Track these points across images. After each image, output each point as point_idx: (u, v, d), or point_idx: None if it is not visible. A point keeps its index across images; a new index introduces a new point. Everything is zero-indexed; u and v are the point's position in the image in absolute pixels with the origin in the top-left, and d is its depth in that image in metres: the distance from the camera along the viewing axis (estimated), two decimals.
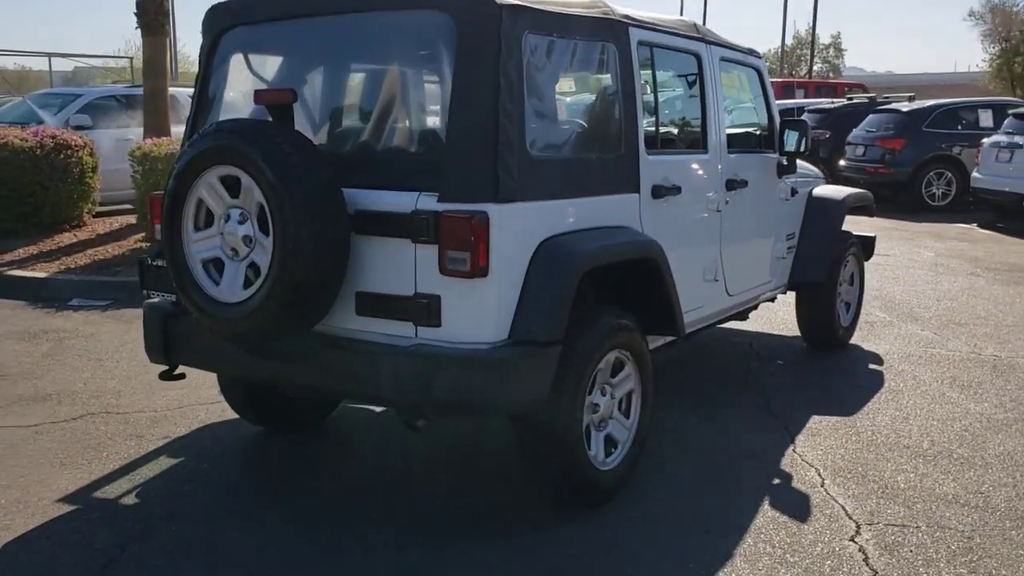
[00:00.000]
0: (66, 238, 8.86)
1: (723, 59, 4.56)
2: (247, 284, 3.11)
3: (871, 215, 6.47)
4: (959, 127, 14.07)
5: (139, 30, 9.95)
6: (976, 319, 6.72)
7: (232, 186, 3.09)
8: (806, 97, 22.91)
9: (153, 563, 3.11)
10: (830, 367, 5.55)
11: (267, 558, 3.15)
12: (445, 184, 3.00)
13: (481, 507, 3.57)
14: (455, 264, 2.94)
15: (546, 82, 3.35)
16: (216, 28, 3.70)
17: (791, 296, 5.78)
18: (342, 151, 3.37)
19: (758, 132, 5.09)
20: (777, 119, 5.10)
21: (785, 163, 5.08)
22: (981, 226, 12.11)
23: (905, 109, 14.42)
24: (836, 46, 56.05)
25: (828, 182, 6.14)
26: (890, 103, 15.54)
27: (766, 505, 3.56)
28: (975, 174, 12.53)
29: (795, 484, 3.77)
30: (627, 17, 3.72)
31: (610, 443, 3.55)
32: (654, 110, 3.98)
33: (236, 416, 4.34)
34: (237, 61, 3.74)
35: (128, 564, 3.10)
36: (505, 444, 3.93)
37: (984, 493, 3.68)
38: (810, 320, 5.75)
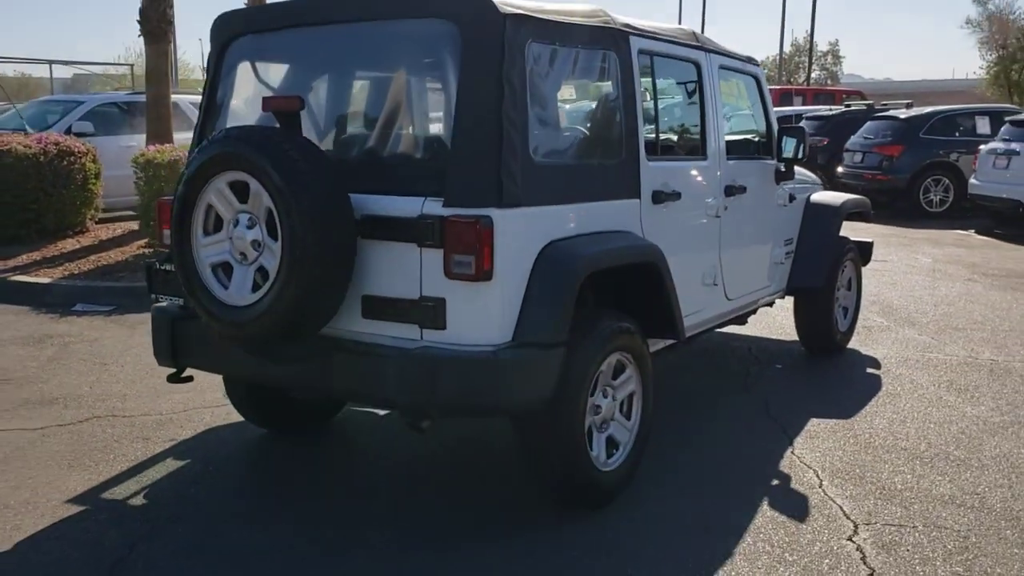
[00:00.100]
0: (69, 244, 8.91)
1: (722, 67, 4.63)
2: (255, 288, 3.17)
3: (868, 221, 6.54)
4: (956, 134, 14.16)
5: (142, 37, 10.00)
6: (973, 324, 6.78)
7: (241, 191, 3.15)
8: (804, 104, 23.01)
9: (161, 563, 3.16)
10: (828, 371, 5.61)
11: (272, 559, 3.20)
12: (450, 189, 3.06)
13: (483, 508, 3.62)
14: (460, 268, 3.00)
15: (548, 89, 3.41)
16: (224, 36, 3.77)
17: (789, 301, 5.84)
18: (348, 157, 3.43)
19: (756, 139, 5.15)
20: (775, 126, 5.16)
21: (783, 169, 5.15)
22: (978, 232, 12.19)
23: (903, 116, 14.51)
24: (834, 53, 56.26)
25: (826, 188, 6.20)
26: (888, 110, 15.63)
27: (765, 505, 3.61)
28: (972, 181, 12.61)
29: (794, 485, 3.83)
30: (628, 26, 3.78)
31: (611, 444, 3.60)
32: (654, 117, 4.04)
33: (241, 419, 4.40)
34: (244, 69, 3.81)
35: (136, 563, 3.15)
36: (507, 446, 3.99)
37: (980, 494, 3.73)
38: (808, 325, 5.81)
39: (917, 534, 3.37)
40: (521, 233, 3.12)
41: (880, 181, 13.93)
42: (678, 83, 4.47)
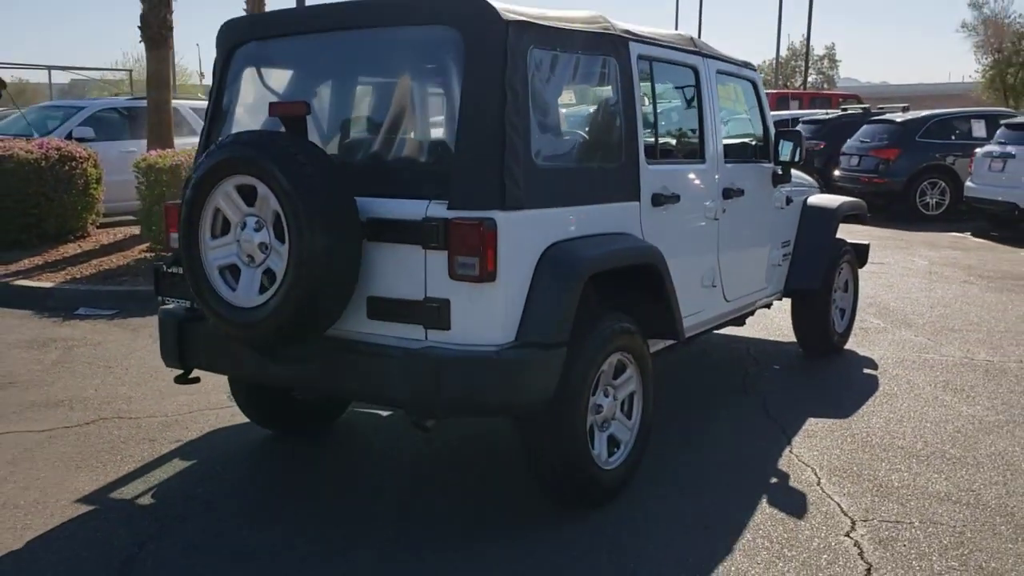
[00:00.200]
0: (71, 249, 8.96)
1: (719, 72, 4.70)
2: (262, 290, 3.23)
3: (864, 223, 6.60)
4: (952, 137, 14.25)
5: (143, 43, 10.05)
6: (969, 325, 6.85)
7: (248, 195, 3.20)
8: (801, 108, 23.14)
9: (171, 560, 3.21)
10: (825, 372, 5.67)
11: (279, 557, 3.25)
12: (454, 192, 3.11)
13: (486, 507, 3.67)
14: (464, 269, 3.06)
15: (550, 94, 3.47)
16: (229, 43, 3.83)
17: (787, 303, 5.90)
18: (354, 161, 3.48)
19: (754, 143, 5.22)
20: (772, 130, 5.23)
21: (780, 173, 5.21)
22: (974, 235, 12.27)
23: (899, 120, 14.60)
24: (830, 57, 56.40)
25: (822, 191, 6.27)
26: (884, 114, 15.72)
27: (764, 503, 3.67)
28: (968, 183, 12.69)
29: (792, 483, 3.88)
30: (627, 32, 3.85)
31: (613, 443, 3.66)
32: (653, 121, 4.10)
33: (246, 421, 4.45)
34: (250, 75, 3.86)
35: (147, 561, 3.20)
36: (509, 445, 4.04)
37: (975, 491, 3.79)
38: (805, 326, 5.87)
39: (914, 530, 3.43)
40: (524, 235, 3.18)
41: (877, 184, 14.02)
42: (676, 88, 4.54)
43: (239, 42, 3.81)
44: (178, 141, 10.26)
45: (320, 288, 3.10)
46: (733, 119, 5.36)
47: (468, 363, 3.10)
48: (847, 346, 6.12)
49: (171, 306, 3.88)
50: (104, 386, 5.25)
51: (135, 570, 3.14)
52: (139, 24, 9.90)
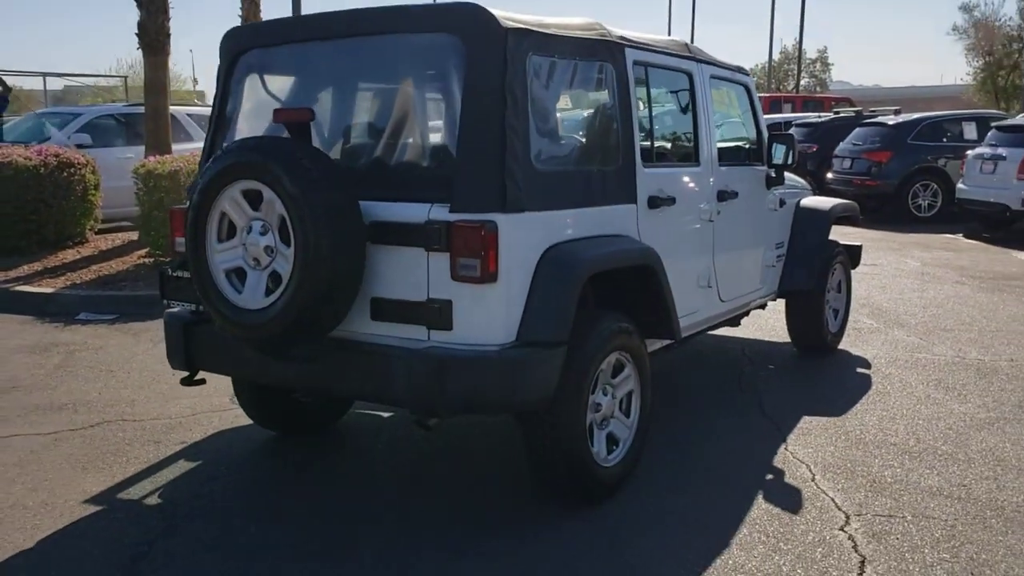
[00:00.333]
0: (70, 254, 9.01)
1: (713, 77, 4.78)
2: (268, 292, 3.29)
3: (857, 225, 6.69)
4: (944, 139, 14.37)
5: (140, 50, 10.12)
6: (961, 325, 6.94)
7: (254, 199, 3.27)
8: (793, 111, 23.30)
9: (179, 558, 3.27)
10: (819, 371, 5.75)
11: (285, 554, 3.31)
12: (456, 195, 3.19)
13: (488, 505, 3.74)
14: (466, 270, 3.13)
15: (549, 99, 3.55)
16: (233, 51, 3.90)
17: (781, 303, 5.98)
18: (357, 166, 3.55)
19: (747, 146, 5.30)
20: (765, 133, 5.32)
21: (773, 175, 5.30)
22: (966, 236, 12.38)
23: (891, 122, 14.71)
24: (823, 60, 56.70)
25: (815, 193, 6.35)
26: (876, 116, 15.84)
27: (760, 499, 3.74)
28: (960, 185, 12.80)
29: (787, 479, 3.96)
30: (623, 38, 3.93)
31: (611, 441, 3.73)
32: (649, 125, 4.19)
33: (248, 422, 4.52)
34: (253, 82, 3.94)
35: (156, 558, 3.26)
36: (510, 444, 4.12)
37: (967, 486, 3.87)
38: (799, 326, 5.95)
39: (906, 524, 3.51)
40: (524, 237, 3.26)
41: (869, 186, 14.13)
42: (671, 92, 4.62)
43: (242, 50, 3.89)
44: (175, 147, 10.31)
45: (325, 290, 3.17)
46: (727, 123, 5.45)
47: (470, 362, 3.17)
48: (841, 346, 6.20)
49: (176, 309, 3.94)
50: (107, 389, 5.30)
51: (144, 568, 3.20)
52: (136, 31, 9.96)
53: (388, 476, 4.08)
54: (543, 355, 3.24)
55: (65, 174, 9.05)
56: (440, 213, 3.19)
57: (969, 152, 12.85)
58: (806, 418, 4.75)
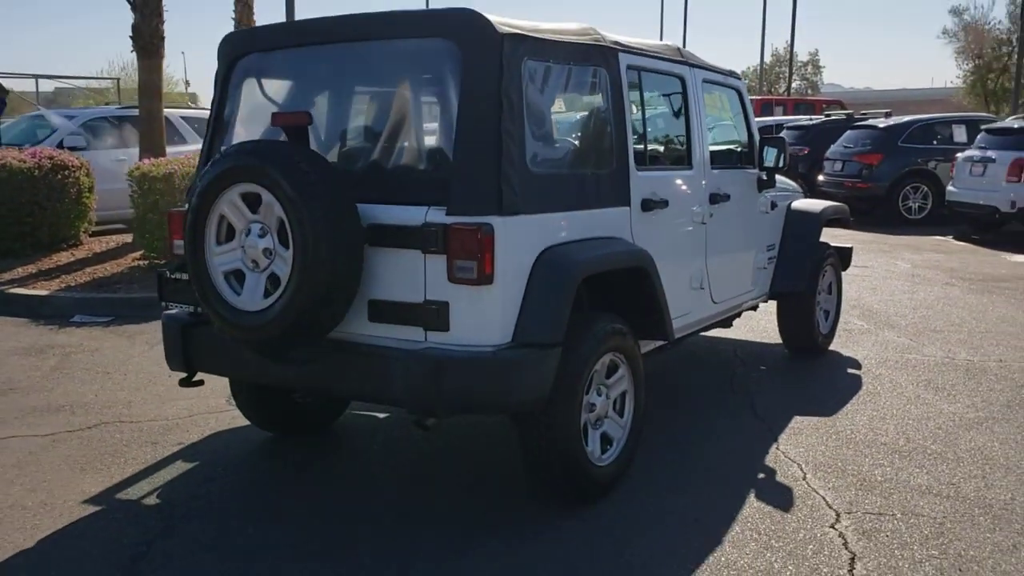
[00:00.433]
0: (64, 257, 9.02)
1: (705, 81, 4.84)
2: (267, 294, 3.33)
3: (847, 227, 6.76)
4: (934, 142, 14.47)
5: (134, 53, 10.14)
6: (951, 326, 7.01)
7: (253, 202, 3.31)
8: (785, 114, 23.39)
9: (178, 558, 3.30)
10: (811, 372, 5.81)
11: (284, 554, 3.35)
12: (453, 198, 3.23)
13: (485, 504, 3.78)
14: (463, 272, 3.17)
15: (544, 104, 3.60)
16: (231, 55, 3.94)
17: (773, 305, 6.04)
18: (355, 169, 3.59)
19: (739, 149, 5.36)
20: (757, 137, 5.38)
21: (765, 178, 5.36)
22: (956, 238, 12.48)
23: (882, 125, 14.81)
24: (814, 63, 56.92)
25: (806, 196, 6.42)
26: (867, 119, 15.94)
27: (752, 497, 3.79)
28: (950, 188, 12.90)
29: (779, 478, 4.01)
30: (616, 43, 3.98)
31: (606, 441, 3.78)
32: (642, 129, 4.24)
33: (245, 424, 4.55)
34: (251, 85, 3.97)
35: (155, 559, 3.29)
36: (506, 443, 4.16)
37: (955, 484, 3.93)
38: (791, 327, 6.01)
39: (896, 521, 3.56)
40: (520, 239, 3.30)
41: (860, 189, 14.22)
42: (664, 96, 4.67)
43: (241, 54, 3.92)
44: (169, 150, 10.32)
45: (323, 292, 3.21)
46: (719, 126, 5.50)
47: (467, 363, 3.21)
48: (831, 347, 6.26)
49: (174, 311, 3.97)
50: (104, 391, 5.33)
51: (144, 568, 3.23)
52: (131, 34, 9.98)
53: (386, 476, 4.12)
54: (538, 356, 3.29)
55: (59, 176, 9.06)
56: (437, 216, 3.23)
57: (959, 155, 12.95)
58: (797, 418, 4.81)
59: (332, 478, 4.09)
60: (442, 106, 3.55)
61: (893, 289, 8.58)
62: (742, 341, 6.49)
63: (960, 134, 14.45)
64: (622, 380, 3.82)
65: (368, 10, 3.66)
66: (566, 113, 4.39)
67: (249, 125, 3.91)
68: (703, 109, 4.73)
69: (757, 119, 6.15)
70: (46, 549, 3.38)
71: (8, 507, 3.71)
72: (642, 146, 4.20)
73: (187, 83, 51.05)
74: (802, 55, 54.83)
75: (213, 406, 4.96)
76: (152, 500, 3.82)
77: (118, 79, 28.16)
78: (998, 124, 13.49)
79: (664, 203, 4.19)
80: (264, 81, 3.99)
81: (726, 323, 5.36)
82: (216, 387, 4.68)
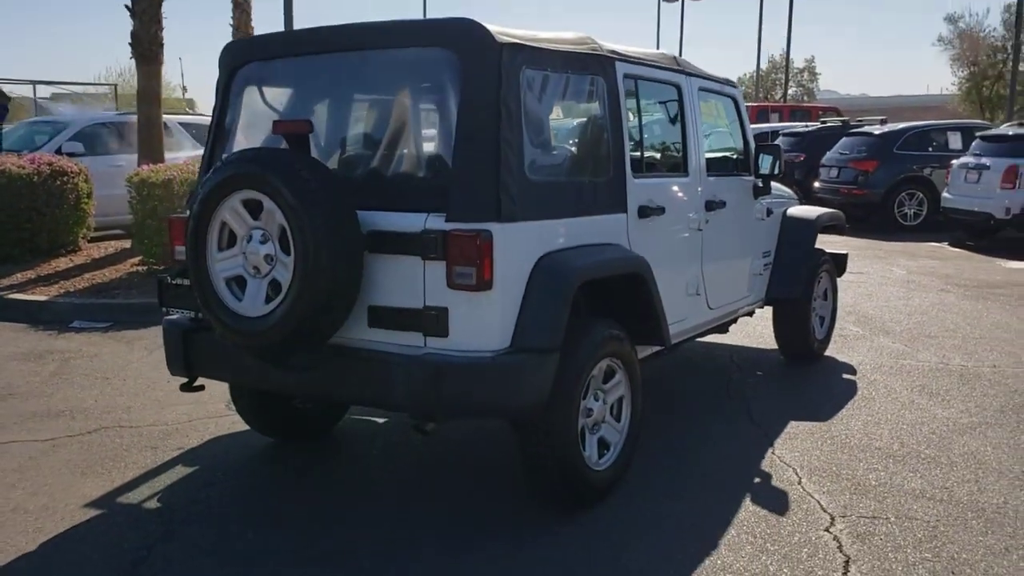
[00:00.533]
0: (63, 262, 9.03)
1: (701, 89, 4.89)
2: (268, 300, 3.36)
3: (843, 234, 6.81)
4: (929, 149, 14.55)
5: (133, 59, 10.18)
6: (945, 332, 7.06)
7: (254, 209, 3.34)
8: (781, 121, 23.46)
9: (179, 562, 3.33)
10: (806, 377, 5.85)
11: (284, 558, 3.38)
12: (452, 205, 3.27)
13: (483, 508, 3.81)
14: (462, 278, 3.21)
15: (542, 112, 3.64)
16: (232, 63, 3.98)
17: (769, 311, 6.08)
18: (355, 176, 3.62)
19: (735, 156, 5.41)
20: (752, 144, 5.43)
21: (760, 185, 5.41)
22: (952, 244, 12.55)
23: (877, 132, 14.89)
24: (810, 70, 57.10)
25: (801, 203, 6.47)
26: (863, 126, 16.01)
27: (747, 501, 3.83)
28: (945, 194, 12.97)
29: (774, 483, 4.05)
30: (613, 52, 4.03)
31: (603, 445, 3.82)
32: (639, 137, 4.28)
33: (245, 428, 4.58)
34: (252, 94, 4.01)
35: (155, 563, 3.32)
36: (506, 448, 4.19)
37: (949, 488, 3.97)
38: (786, 333, 6.05)
39: (890, 525, 3.60)
40: (518, 246, 3.34)
41: (856, 196, 14.29)
42: (661, 104, 4.72)
43: (242, 62, 3.96)
44: (167, 156, 10.36)
45: (324, 298, 3.25)
46: (715, 134, 5.55)
47: (466, 368, 3.25)
48: (827, 352, 6.31)
49: (175, 316, 4.01)
50: (103, 396, 5.35)
51: (144, 572, 3.25)
52: (130, 41, 10.03)
53: (386, 481, 4.15)
54: (537, 361, 3.33)
55: (58, 182, 9.08)
56: (436, 223, 3.27)
57: (954, 162, 13.03)
58: (793, 423, 4.85)
59: (332, 483, 4.12)
60: (441, 114, 3.59)
61: (888, 295, 8.63)
62: (738, 347, 6.53)
63: (955, 141, 14.53)
64: (619, 385, 3.85)
65: (364, 17, 3.72)
66: (564, 121, 4.44)
67: (250, 133, 3.95)
68: (699, 117, 4.78)
69: (753, 126, 6.21)
70: (48, 553, 3.41)
71: (10, 511, 3.73)
72: (639, 153, 4.25)
73: (184, 89, 51.06)
74: (798, 62, 55.06)
75: (213, 411, 4.99)
76: (152, 504, 3.85)
77: (115, 85, 28.22)
78: (993, 131, 13.57)
79: (660, 210, 4.23)
80: (265, 89, 4.03)
81: (722, 329, 5.39)
82: (216, 392, 4.71)
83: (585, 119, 4.08)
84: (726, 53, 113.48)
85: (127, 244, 9.73)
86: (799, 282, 5.78)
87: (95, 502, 3.83)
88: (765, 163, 5.34)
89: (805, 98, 52.14)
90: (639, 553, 3.39)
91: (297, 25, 13.32)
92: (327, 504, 3.86)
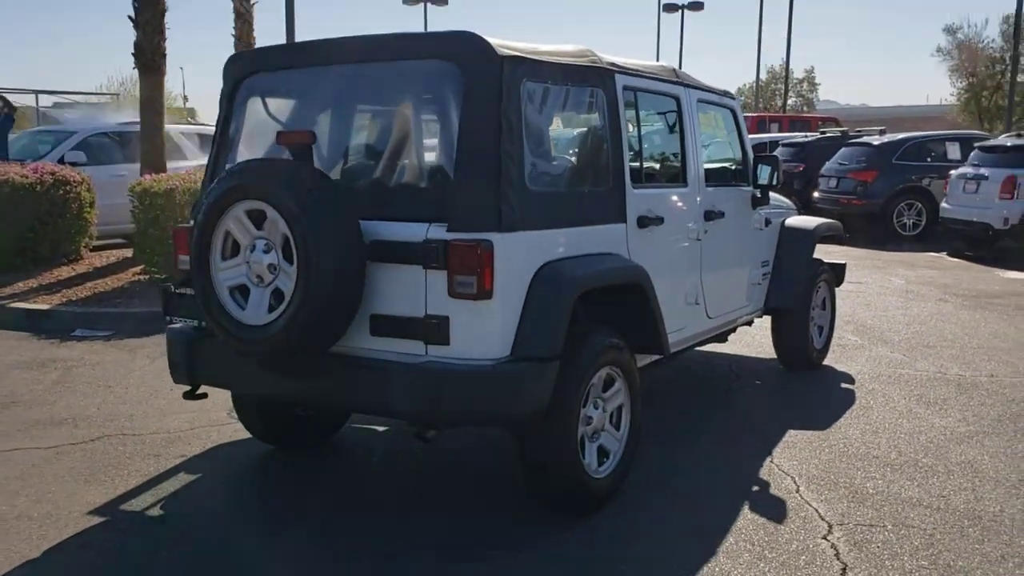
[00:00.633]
0: (65, 272, 9.07)
1: (700, 100, 4.94)
2: (271, 308, 3.40)
3: (841, 244, 6.85)
4: (928, 159, 14.60)
5: (136, 70, 10.25)
6: (943, 342, 7.09)
7: (258, 219, 3.39)
8: (780, 131, 23.52)
9: (182, 568, 3.36)
10: (805, 386, 5.88)
11: (287, 564, 3.41)
12: (453, 216, 3.31)
13: (484, 514, 3.84)
14: (463, 287, 3.25)
15: (542, 123, 3.69)
16: (236, 75, 4.03)
17: (767, 320, 6.12)
18: (358, 187, 3.67)
19: (733, 167, 5.46)
20: (751, 155, 5.48)
21: (759, 195, 5.45)
22: (950, 255, 12.59)
23: (876, 142, 14.94)
24: (810, 80, 57.20)
25: (799, 213, 6.51)
26: (861, 136, 16.07)
27: (746, 509, 3.86)
28: (944, 205, 13.02)
29: (772, 491, 4.08)
30: (613, 65, 4.08)
31: (602, 453, 3.85)
32: (638, 148, 4.33)
33: (247, 436, 4.61)
34: (255, 105, 4.06)
35: (160, 569, 3.35)
36: (505, 455, 4.22)
37: (946, 496, 4.00)
38: (785, 342, 6.09)
39: (887, 533, 3.63)
40: (519, 255, 3.38)
41: (855, 206, 14.34)
42: (660, 116, 4.77)
43: (246, 74, 4.01)
44: (169, 165, 10.41)
45: (326, 307, 3.29)
46: (713, 145, 5.60)
47: (466, 376, 3.28)
48: (825, 362, 6.34)
49: (179, 325, 4.04)
50: (106, 404, 5.39)
51: None
52: (133, 51, 10.09)
53: (386, 488, 4.18)
54: (537, 369, 3.36)
55: (61, 192, 9.13)
56: (438, 232, 3.31)
57: (952, 172, 13.08)
58: (791, 432, 4.88)
59: (333, 490, 4.14)
60: (443, 126, 3.64)
61: (887, 305, 8.67)
62: (737, 356, 6.57)
63: (954, 151, 14.58)
64: (619, 394, 3.89)
65: (365, 28, 3.78)
66: (564, 132, 4.48)
67: (254, 143, 3.99)
68: (698, 128, 4.82)
69: (753, 136, 6.26)
70: (52, 559, 3.43)
71: (14, 518, 3.76)
72: (638, 164, 4.29)
73: (185, 98, 51.24)
74: (798, 72, 55.11)
75: (215, 419, 5.02)
76: (155, 512, 3.88)
77: (117, 94, 28.32)
78: (991, 142, 13.62)
79: (660, 220, 4.27)
80: (268, 100, 4.08)
81: (721, 338, 5.43)
82: (218, 400, 4.75)
83: (585, 130, 4.13)
84: (726, 63, 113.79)
85: (129, 253, 9.77)
86: (797, 292, 5.82)
87: (98, 509, 3.86)
88: (763, 174, 5.39)
89: (805, 108, 52.25)
90: (638, 559, 3.41)
91: (299, 36, 13.41)
92: (328, 510, 3.88)
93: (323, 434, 4.67)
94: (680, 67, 4.99)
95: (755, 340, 6.87)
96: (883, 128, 16.73)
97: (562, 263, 3.56)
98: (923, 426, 5.00)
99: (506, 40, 3.51)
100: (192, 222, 3.67)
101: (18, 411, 5.26)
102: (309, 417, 4.52)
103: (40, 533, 3.63)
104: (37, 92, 23.15)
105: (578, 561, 3.41)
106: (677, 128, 4.69)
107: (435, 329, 3.33)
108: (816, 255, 6.06)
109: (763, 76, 48.30)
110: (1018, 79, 25.63)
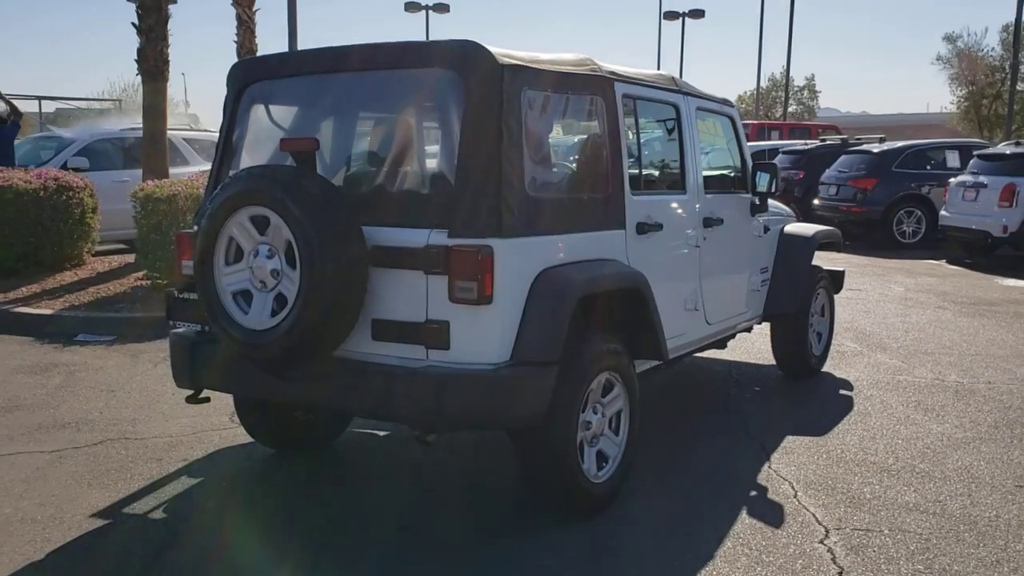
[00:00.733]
0: (67, 277, 9.12)
1: (699, 108, 4.98)
2: (274, 313, 3.44)
3: (839, 251, 6.89)
4: (928, 167, 14.66)
5: (139, 76, 10.30)
6: (941, 349, 7.12)
7: (261, 224, 3.43)
8: (781, 139, 23.57)
9: (186, 570, 3.39)
10: (803, 392, 5.92)
11: (290, 566, 3.43)
12: (454, 222, 3.35)
13: (484, 517, 3.87)
14: (463, 293, 3.29)
15: (542, 131, 3.73)
16: (240, 82, 4.07)
17: (766, 327, 6.15)
18: (360, 193, 3.71)
19: (732, 174, 5.50)
20: (749, 162, 5.52)
21: (757, 203, 5.49)
22: (949, 262, 12.62)
23: (876, 150, 14.99)
24: (810, 88, 57.29)
25: (798, 220, 6.55)
26: (861, 144, 16.13)
27: (744, 514, 3.89)
28: (943, 212, 13.06)
29: (770, 496, 4.11)
30: (612, 73, 4.12)
31: (601, 458, 3.87)
32: (637, 155, 4.37)
33: (249, 440, 4.64)
34: (258, 112, 4.11)
35: (162, 571, 3.38)
36: (505, 460, 4.25)
37: (942, 502, 4.03)
38: (784, 349, 6.12)
39: (883, 537, 3.66)
40: (519, 261, 3.42)
41: (855, 213, 14.39)
42: (659, 124, 4.81)
43: (249, 81, 4.06)
44: (171, 171, 10.45)
45: (329, 311, 3.33)
46: (713, 152, 5.64)
47: (467, 381, 3.32)
48: (824, 368, 6.37)
49: (182, 329, 4.08)
50: (108, 409, 5.42)
51: None
52: (136, 57, 10.15)
53: (388, 492, 4.21)
54: (536, 374, 3.40)
55: (64, 197, 9.18)
56: (439, 238, 3.35)
57: (952, 180, 13.12)
58: (790, 437, 4.91)
59: (334, 494, 4.17)
60: (444, 133, 3.68)
61: (886, 312, 8.70)
62: (736, 362, 6.60)
63: (953, 159, 14.65)
64: (618, 399, 3.92)
65: (366, 35, 3.83)
66: (564, 139, 4.53)
67: (257, 150, 4.04)
68: (697, 136, 4.87)
69: (753, 143, 6.30)
70: (55, 562, 3.46)
71: (18, 521, 3.79)
72: (637, 171, 4.33)
73: (187, 104, 51.38)
74: (799, 80, 55.20)
75: (217, 423, 5.06)
76: (158, 515, 3.91)
77: (119, 100, 28.42)
78: (990, 150, 13.67)
79: (659, 226, 4.31)
80: (272, 107, 4.13)
81: (720, 344, 5.46)
82: (220, 404, 4.79)
83: (585, 138, 4.17)
84: (727, 71, 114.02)
85: (131, 258, 9.82)
86: (796, 298, 5.85)
87: (101, 512, 3.89)
88: (762, 181, 5.43)
89: (806, 116, 52.32)
90: (637, 562, 3.44)
91: (301, 43, 13.47)
92: (330, 514, 3.91)
93: (325, 438, 4.70)
94: (681, 74, 5.04)
95: (754, 347, 6.90)
96: (883, 136, 16.78)
97: (562, 269, 3.59)
98: (920, 432, 5.03)
99: (507, 49, 3.55)
100: (196, 227, 3.71)
101: (21, 415, 5.29)
102: (311, 421, 4.55)
103: (44, 536, 3.66)
104: (40, 98, 23.24)
105: (576, 564, 3.43)
106: (676, 136, 4.73)
107: (436, 334, 3.37)
108: (815, 262, 6.10)
109: (764, 84, 48.36)
110: (1018, 87, 25.69)
